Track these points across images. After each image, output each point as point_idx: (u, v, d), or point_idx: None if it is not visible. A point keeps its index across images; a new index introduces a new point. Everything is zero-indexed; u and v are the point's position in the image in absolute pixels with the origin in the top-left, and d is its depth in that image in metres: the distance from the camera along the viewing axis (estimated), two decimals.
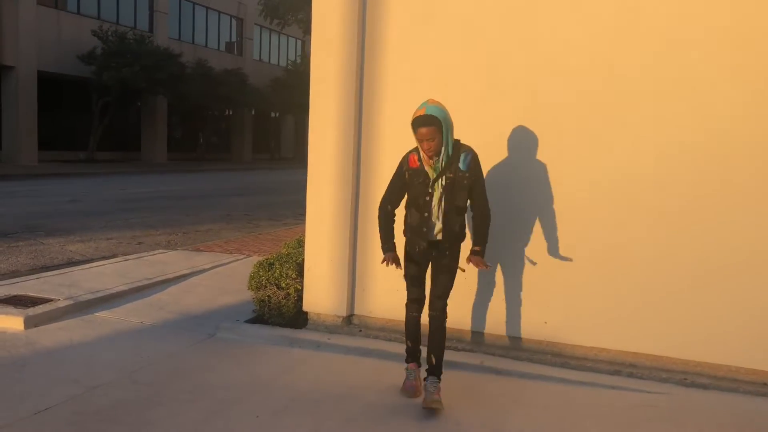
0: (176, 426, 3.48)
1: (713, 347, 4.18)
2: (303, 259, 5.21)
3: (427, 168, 3.69)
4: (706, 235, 4.16)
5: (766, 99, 4.02)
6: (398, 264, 3.84)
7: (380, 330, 4.97)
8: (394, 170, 4.85)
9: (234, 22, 39.48)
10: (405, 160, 3.80)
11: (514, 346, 4.64)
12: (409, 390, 3.93)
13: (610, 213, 4.34)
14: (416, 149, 3.75)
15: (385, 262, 3.80)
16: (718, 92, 4.10)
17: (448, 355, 4.55)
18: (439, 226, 3.75)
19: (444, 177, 3.69)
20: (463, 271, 3.96)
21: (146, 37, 29.93)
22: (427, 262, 3.88)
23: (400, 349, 4.69)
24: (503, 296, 4.61)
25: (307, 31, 29.12)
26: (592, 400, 4.01)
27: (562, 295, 4.47)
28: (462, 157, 3.70)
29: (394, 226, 3.89)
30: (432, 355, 3.84)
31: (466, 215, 3.84)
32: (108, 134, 29.64)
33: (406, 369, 4.00)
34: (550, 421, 3.70)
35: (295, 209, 13.37)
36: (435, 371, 3.82)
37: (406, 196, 3.85)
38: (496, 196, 4.28)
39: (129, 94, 28.98)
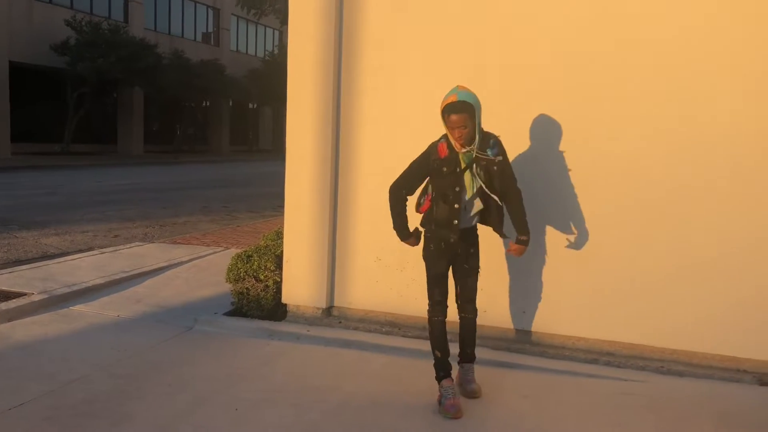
0: (155, 419, 3.45)
1: (689, 335, 4.23)
2: (282, 251, 5.19)
3: (460, 156, 3.54)
4: (682, 228, 4.20)
5: (744, 95, 4.07)
6: (418, 241, 3.76)
7: (360, 321, 4.97)
8: (372, 160, 4.86)
9: (210, 12, 39.10)
10: (433, 148, 3.60)
11: (493, 335, 4.66)
12: (451, 410, 3.57)
13: (587, 206, 4.36)
14: (445, 137, 3.58)
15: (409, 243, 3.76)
16: (698, 86, 4.14)
17: (427, 345, 4.56)
18: (477, 216, 3.70)
19: (477, 165, 3.55)
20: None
21: (121, 27, 29.52)
22: (452, 259, 3.75)
23: (380, 340, 4.70)
24: (482, 286, 4.60)
25: (285, 21, 28.86)
26: (571, 388, 4.04)
27: (540, 285, 4.50)
28: (491, 143, 3.58)
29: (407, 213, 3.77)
30: (467, 348, 3.87)
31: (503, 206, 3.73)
32: (83, 126, 29.22)
33: (441, 386, 3.66)
34: (529, 410, 3.73)
35: (274, 201, 13.31)
36: (471, 359, 3.89)
37: (430, 188, 3.69)
38: None
39: (104, 85, 28.58)
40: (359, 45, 4.85)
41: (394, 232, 3.76)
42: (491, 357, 4.41)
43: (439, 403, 3.64)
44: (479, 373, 3.93)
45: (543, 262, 4.48)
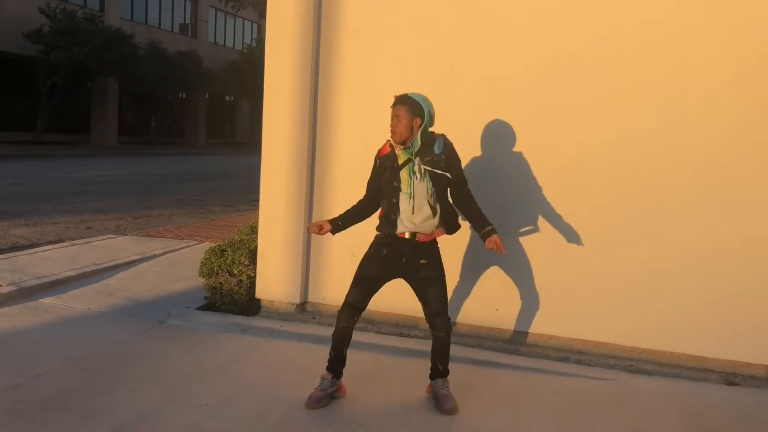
0: (125, 413, 3.42)
1: (658, 335, 4.30)
2: (256, 246, 5.16)
3: (397, 152, 3.55)
4: (655, 230, 4.26)
5: (715, 94, 4.13)
6: (318, 230, 3.66)
7: (334, 317, 4.89)
8: (348, 157, 4.86)
9: (188, 3, 38.69)
10: (379, 149, 3.66)
11: (465, 333, 4.69)
12: (311, 400, 3.57)
13: (561, 206, 4.40)
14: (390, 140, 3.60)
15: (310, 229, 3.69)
16: (666, 84, 4.20)
17: (399, 342, 4.60)
18: (418, 217, 3.52)
19: (420, 161, 3.50)
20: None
21: (97, 16, 29.09)
22: (393, 271, 3.60)
23: (354, 336, 4.69)
24: (455, 284, 4.64)
25: (263, 14, 28.59)
26: (542, 386, 4.08)
27: (513, 283, 4.54)
28: (437, 143, 3.56)
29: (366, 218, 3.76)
30: (439, 365, 3.66)
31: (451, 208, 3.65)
32: (56, 116, 28.73)
33: (321, 376, 3.66)
34: (501, 406, 3.76)
35: (249, 195, 13.22)
36: (444, 374, 3.68)
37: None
38: None
39: (78, 74, 28.14)
40: (337, 41, 4.84)
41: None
42: (464, 354, 4.43)
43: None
44: (451, 370, 3.94)
45: (516, 261, 4.51)
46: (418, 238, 3.55)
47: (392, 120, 3.51)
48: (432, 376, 3.72)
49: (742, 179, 4.11)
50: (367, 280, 3.61)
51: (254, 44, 40.61)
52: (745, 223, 4.11)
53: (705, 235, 4.18)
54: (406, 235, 3.55)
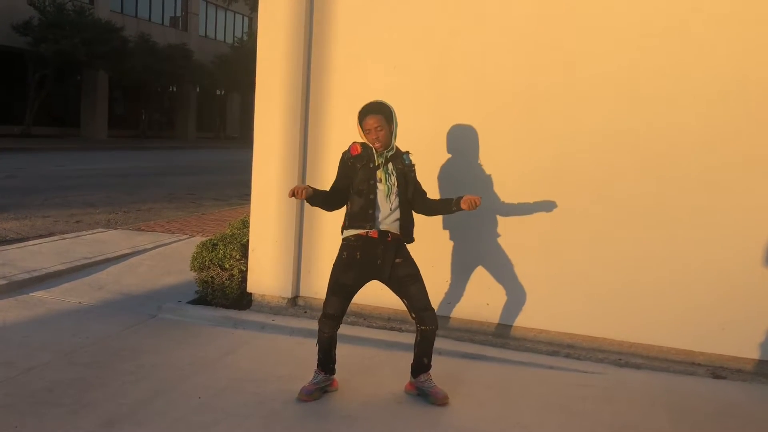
0: (117, 407, 3.42)
1: (646, 329, 4.34)
2: (248, 240, 5.17)
3: (375, 154, 3.55)
4: (643, 225, 4.29)
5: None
6: (302, 194, 3.47)
7: None
8: (340, 151, 4.85)
9: None
10: (346, 152, 3.64)
11: (456, 327, 4.71)
12: (303, 393, 3.61)
13: (548, 200, 4.43)
14: (360, 142, 3.62)
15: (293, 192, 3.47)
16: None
17: (391, 336, 4.62)
18: (395, 216, 3.56)
19: (393, 166, 3.57)
20: None
21: (86, 8, 28.91)
22: (369, 273, 3.59)
23: (346, 330, 4.67)
24: (447, 278, 4.67)
25: (254, 7, 28.54)
26: (531, 379, 4.11)
27: (503, 277, 4.56)
28: (405, 156, 3.65)
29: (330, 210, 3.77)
30: (424, 358, 3.66)
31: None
32: (45, 108, 28.57)
33: (315, 371, 3.69)
34: (491, 400, 3.79)
35: (241, 189, 13.20)
36: (428, 368, 3.69)
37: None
38: (440, 185, 4.35)
39: (68, 67, 27.96)
40: (330, 35, 4.84)
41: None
42: (454, 348, 4.46)
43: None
44: (442, 364, 3.97)
45: (506, 255, 4.54)
46: (389, 237, 3.56)
47: (372, 132, 3.50)
48: (416, 372, 3.71)
49: (730, 177, 4.15)
50: (344, 288, 3.58)
51: (245, 38, 40.49)
52: (734, 219, 4.15)
53: (694, 231, 4.21)
54: (378, 235, 3.54)
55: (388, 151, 3.58)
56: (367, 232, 3.55)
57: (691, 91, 4.18)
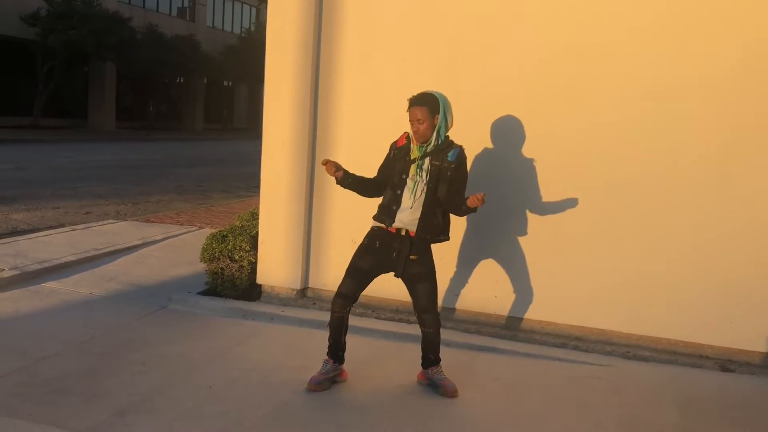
0: (128, 396, 3.46)
1: (655, 322, 4.34)
2: (257, 232, 5.19)
3: (413, 146, 3.55)
4: (652, 217, 4.29)
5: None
6: (334, 170, 3.54)
7: None
8: (350, 143, 4.89)
9: None
10: (394, 142, 3.65)
11: (465, 319, 4.73)
12: (312, 383, 3.64)
13: (558, 193, 4.43)
14: (407, 133, 3.61)
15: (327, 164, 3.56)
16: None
17: (399, 327, 4.64)
18: (415, 214, 3.52)
19: (429, 162, 3.50)
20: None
21: None
22: (385, 264, 3.60)
23: (354, 321, 4.68)
24: (454, 270, 4.68)
25: None
26: (540, 371, 4.13)
27: (511, 270, 4.57)
28: (452, 151, 3.53)
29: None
30: (430, 354, 3.71)
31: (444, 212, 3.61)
32: (53, 100, 28.65)
33: (324, 361, 3.72)
34: (500, 392, 3.81)
35: (249, 181, 13.23)
36: (436, 362, 3.73)
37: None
38: None
39: (76, 58, 28.01)
40: (339, 28, 4.84)
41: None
42: (463, 340, 4.48)
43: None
44: (450, 356, 3.99)
45: (515, 248, 4.54)
46: (411, 233, 3.57)
47: (413, 124, 3.47)
48: (424, 366, 3.77)
49: (739, 169, 4.14)
50: (360, 272, 3.63)
51: (253, 28, 40.40)
52: (742, 212, 4.14)
53: (702, 224, 4.21)
54: (398, 231, 3.56)
55: (426, 146, 3.52)
56: (387, 227, 3.58)
57: (698, 83, 4.16)
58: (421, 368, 3.81)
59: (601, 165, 4.36)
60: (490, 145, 4.52)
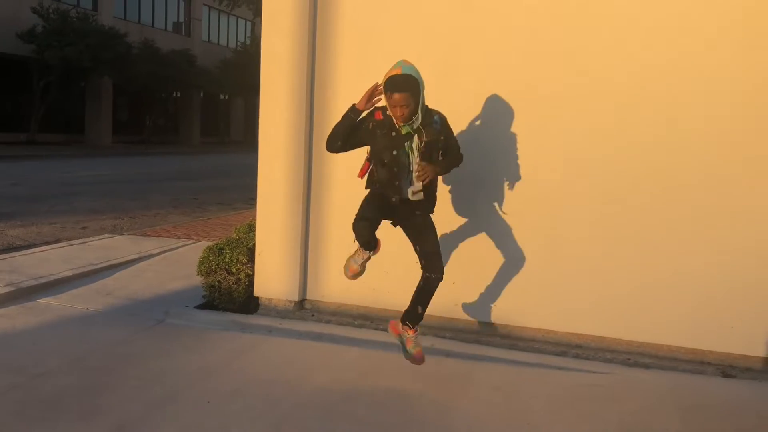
0: (126, 412, 3.43)
1: (655, 328, 4.32)
2: (254, 244, 5.17)
3: (399, 125, 3.52)
4: (649, 223, 4.28)
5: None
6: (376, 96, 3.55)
7: (333, 314, 4.98)
8: (345, 155, 4.84)
9: (182, 1, 38.58)
10: (370, 114, 3.62)
11: (464, 328, 4.71)
12: (349, 272, 3.94)
13: (556, 197, 4.42)
14: (382, 108, 3.57)
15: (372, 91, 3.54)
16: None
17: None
18: (418, 186, 3.59)
19: (417, 138, 3.52)
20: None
21: (90, 15, 29.00)
22: (390, 213, 3.71)
23: (353, 333, 4.72)
24: (453, 279, 4.65)
25: (257, 12, 28.59)
26: (540, 380, 4.10)
27: (511, 278, 4.56)
28: (435, 120, 3.58)
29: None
30: (419, 306, 3.77)
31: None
32: (50, 115, 28.65)
33: (356, 253, 3.89)
34: (500, 401, 3.78)
35: (245, 193, 13.21)
36: (419, 319, 3.81)
37: (369, 149, 3.72)
38: (446, 180, 4.35)
39: (72, 74, 28.05)
40: (333, 38, 4.84)
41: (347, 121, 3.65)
42: (462, 350, 4.46)
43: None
44: (449, 366, 3.98)
45: (513, 255, 4.53)
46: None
47: (397, 109, 3.42)
48: (407, 320, 3.81)
49: (740, 177, 4.14)
50: (368, 219, 3.66)
51: (248, 42, 40.54)
52: (743, 217, 4.14)
53: (701, 230, 4.20)
54: (413, 199, 3.66)
55: (413, 123, 3.50)
56: (394, 199, 3.64)
57: (697, 92, 4.17)
58: (399, 322, 3.84)
59: (601, 172, 4.36)
60: (486, 150, 4.51)
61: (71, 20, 27.14)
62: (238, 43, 41.17)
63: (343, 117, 3.63)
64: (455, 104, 4.57)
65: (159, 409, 3.49)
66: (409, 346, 3.85)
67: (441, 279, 3.71)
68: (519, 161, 4.48)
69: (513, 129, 4.48)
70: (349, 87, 4.81)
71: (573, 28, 4.35)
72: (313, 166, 4.96)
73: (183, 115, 38.69)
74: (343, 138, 3.63)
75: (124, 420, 3.35)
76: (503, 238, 4.55)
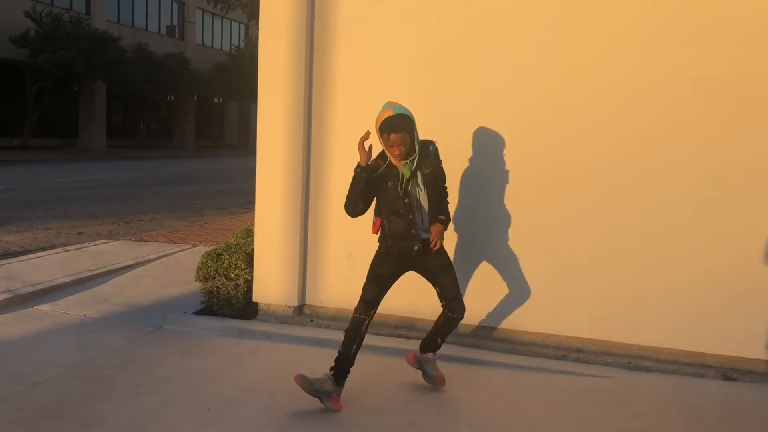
0: (125, 420, 3.40)
1: (656, 332, 4.32)
2: (252, 249, 5.15)
3: (399, 167, 3.54)
4: (650, 227, 4.28)
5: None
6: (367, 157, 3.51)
7: (332, 320, 4.96)
8: (344, 159, 4.86)
9: (175, 5, 38.54)
10: (373, 163, 3.57)
11: (464, 333, 4.69)
12: (299, 377, 3.55)
13: (555, 204, 4.42)
14: (380, 155, 3.59)
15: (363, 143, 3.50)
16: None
17: (399, 343, 4.59)
18: (428, 224, 3.61)
19: (420, 174, 3.56)
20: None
21: (83, 19, 28.96)
22: (406, 266, 3.70)
23: None
24: None
25: (252, 15, 28.55)
26: (541, 384, 4.10)
27: (509, 282, 4.55)
28: (431, 151, 3.62)
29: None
30: (439, 338, 3.85)
31: None
32: (44, 120, 28.57)
33: (324, 375, 3.62)
34: (500, 406, 3.77)
35: (241, 197, 13.19)
36: (437, 349, 3.91)
37: (375, 204, 3.68)
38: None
39: (66, 78, 27.98)
40: (331, 44, 4.83)
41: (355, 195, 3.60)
42: (462, 354, 4.44)
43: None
44: (450, 371, 3.97)
45: (513, 260, 4.52)
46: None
47: (395, 148, 3.45)
48: (425, 349, 3.90)
49: (742, 176, 4.15)
50: (382, 278, 3.67)
51: (242, 45, 40.53)
52: (743, 220, 4.14)
53: (702, 232, 4.20)
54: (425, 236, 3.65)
55: (412, 160, 3.53)
56: (416, 247, 3.62)
57: (694, 90, 4.17)
58: (418, 352, 3.93)
59: (600, 175, 4.35)
60: (485, 156, 4.51)
61: (64, 24, 27.09)
62: (232, 47, 41.17)
63: (354, 179, 3.59)
64: (451, 106, 4.57)
65: (158, 417, 3.47)
66: (429, 369, 3.91)
67: (462, 318, 3.79)
68: (517, 163, 4.47)
69: (513, 132, 4.47)
70: (346, 88, 4.82)
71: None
72: (312, 171, 4.94)
73: (177, 119, 38.64)
74: (363, 199, 3.63)
75: (124, 428, 3.32)
76: (502, 243, 4.54)
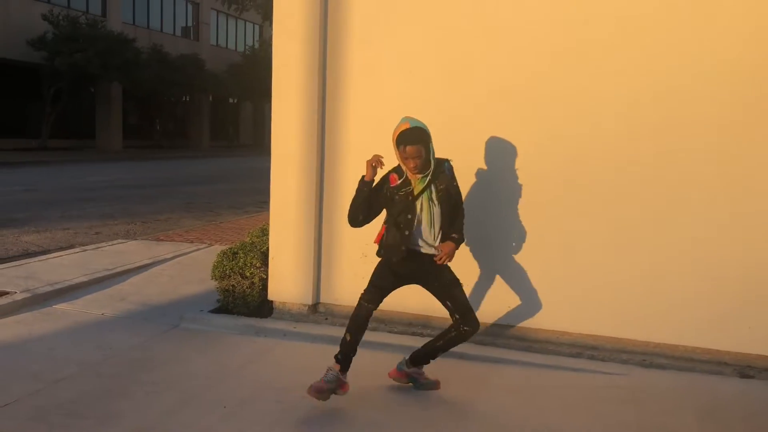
0: (143, 418, 3.44)
1: (671, 329, 4.29)
2: (267, 248, 5.18)
3: (413, 182, 3.55)
4: (665, 222, 4.26)
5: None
6: (378, 164, 3.55)
7: (346, 318, 4.90)
8: (357, 157, 4.86)
9: (190, 6, 38.77)
10: (385, 179, 3.63)
11: (480, 331, 4.67)
12: (313, 389, 3.52)
13: (569, 201, 4.41)
14: (395, 169, 3.61)
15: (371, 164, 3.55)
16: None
17: (414, 341, 4.59)
18: (439, 236, 3.61)
19: (435, 189, 3.57)
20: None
21: (99, 21, 29.20)
22: (407, 280, 3.71)
23: (366, 336, 4.58)
24: (467, 282, 4.63)
25: (266, 16, 28.70)
26: (556, 382, 4.09)
27: (525, 280, 4.54)
28: (446, 167, 3.64)
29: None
30: (438, 353, 3.82)
31: None
32: (61, 121, 28.88)
33: (330, 369, 3.62)
34: (516, 404, 3.77)
35: (256, 197, 13.26)
36: (427, 363, 3.87)
37: (385, 213, 3.70)
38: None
39: (82, 80, 28.24)
40: (345, 43, 4.85)
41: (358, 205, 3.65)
42: (477, 352, 4.45)
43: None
44: (465, 369, 3.98)
45: (528, 258, 4.52)
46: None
47: (410, 160, 3.46)
48: (418, 361, 3.85)
49: (756, 172, 4.11)
50: (383, 289, 3.67)
51: (257, 46, 40.69)
52: (760, 218, 4.11)
53: (718, 229, 4.18)
54: (432, 252, 3.63)
55: (426, 175, 3.54)
56: (395, 260, 3.61)
57: (705, 85, 4.15)
58: (405, 366, 3.88)
59: (613, 173, 4.34)
60: (500, 155, 4.51)
61: (81, 26, 27.34)
62: (247, 47, 41.34)
63: (357, 191, 3.63)
64: (462, 104, 4.58)
65: (175, 415, 3.50)
66: (423, 379, 3.88)
67: (476, 331, 3.73)
68: (530, 159, 4.46)
69: (526, 128, 4.47)
70: (361, 88, 4.83)
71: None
72: (326, 171, 4.97)
73: (192, 119, 38.87)
74: (364, 212, 3.66)
75: (141, 425, 3.36)
76: (517, 241, 4.54)
